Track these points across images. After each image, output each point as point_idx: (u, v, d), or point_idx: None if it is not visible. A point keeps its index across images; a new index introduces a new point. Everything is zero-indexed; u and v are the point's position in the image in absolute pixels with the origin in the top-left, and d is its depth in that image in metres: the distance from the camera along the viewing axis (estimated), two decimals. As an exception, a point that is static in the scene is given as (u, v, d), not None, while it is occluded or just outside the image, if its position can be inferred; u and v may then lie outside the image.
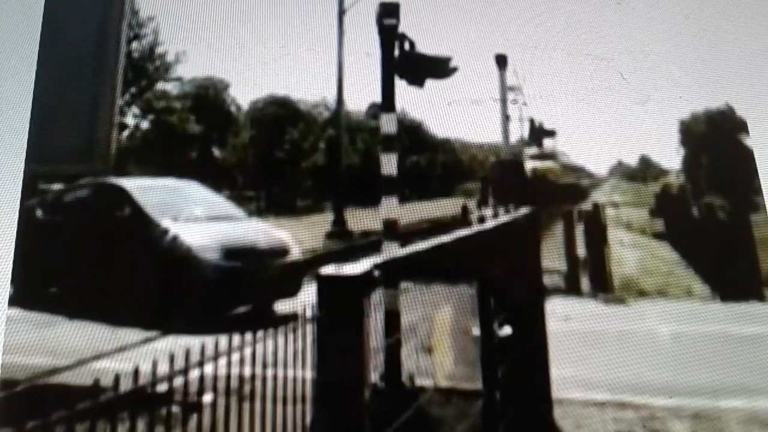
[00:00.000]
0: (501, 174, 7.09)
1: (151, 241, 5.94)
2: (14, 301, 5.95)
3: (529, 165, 7.12)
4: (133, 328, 5.37)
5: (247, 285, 5.89)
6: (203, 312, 5.59)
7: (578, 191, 7.35)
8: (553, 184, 7.33)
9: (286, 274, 6.06)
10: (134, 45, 7.48)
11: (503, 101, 6.88)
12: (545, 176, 7.26)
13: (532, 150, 7.06)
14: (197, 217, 6.24)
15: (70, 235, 6.26)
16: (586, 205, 6.75)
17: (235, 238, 6.04)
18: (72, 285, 6.07)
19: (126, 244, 6.02)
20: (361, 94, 7.17)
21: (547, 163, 7.15)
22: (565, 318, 5.36)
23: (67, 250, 6.20)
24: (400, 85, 5.73)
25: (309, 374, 3.45)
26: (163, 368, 2.90)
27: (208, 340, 3.25)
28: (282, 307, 6.09)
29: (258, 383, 3.32)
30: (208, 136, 7.93)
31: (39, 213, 6.55)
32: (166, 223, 6.01)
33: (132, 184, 6.37)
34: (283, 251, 6.16)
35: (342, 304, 1.72)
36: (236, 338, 3.30)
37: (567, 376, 4.46)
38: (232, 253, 5.88)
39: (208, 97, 7.90)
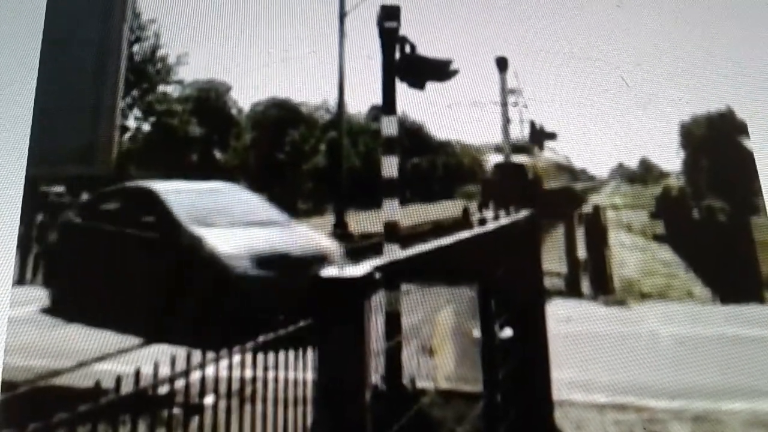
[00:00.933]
0: (502, 176, 7.09)
1: (180, 248, 5.63)
2: (51, 311, 5.82)
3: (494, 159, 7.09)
4: (163, 342, 5.14)
5: (280, 295, 5.46)
6: (234, 325, 5.25)
7: (578, 193, 7.36)
8: (553, 186, 7.33)
9: None
10: (136, 48, 7.50)
11: (504, 104, 6.89)
12: (546, 178, 7.27)
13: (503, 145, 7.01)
14: (232, 222, 5.89)
15: (99, 243, 6.01)
16: (587, 208, 6.76)
17: (272, 245, 5.66)
18: (98, 293, 5.78)
19: (154, 251, 5.73)
20: (362, 97, 7.18)
21: (522, 157, 7.13)
22: (566, 320, 5.36)
23: (95, 258, 5.96)
24: (401, 88, 5.74)
25: (310, 376, 3.46)
26: (164, 370, 2.91)
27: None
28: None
29: (259, 385, 3.33)
30: (210, 138, 7.94)
31: (73, 219, 6.34)
32: (196, 228, 5.68)
33: (163, 187, 6.08)
34: (325, 258, 5.80)
35: (343, 306, 1.73)
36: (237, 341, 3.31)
37: (568, 378, 4.47)
38: (266, 261, 5.51)
39: (210, 100, 7.92)
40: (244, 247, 5.54)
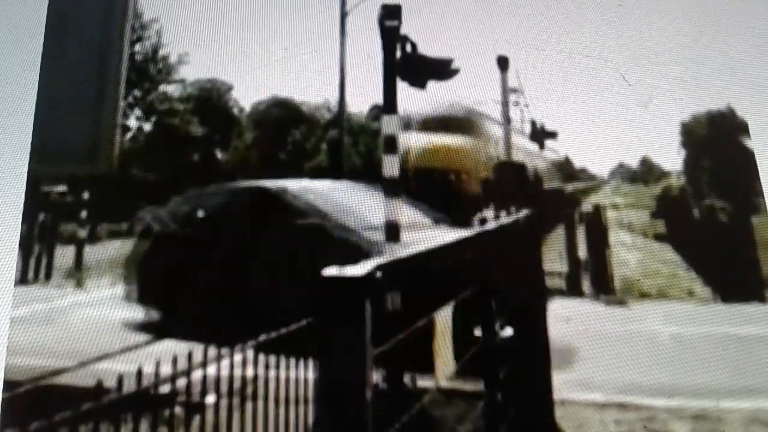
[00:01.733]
0: (503, 176, 7.10)
1: (339, 256, 4.87)
2: (157, 328, 5.31)
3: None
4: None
5: None
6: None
7: (579, 193, 7.36)
8: (553, 186, 7.34)
9: None
10: (137, 47, 7.51)
11: (505, 103, 6.89)
12: (547, 178, 7.27)
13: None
14: (377, 225, 5.29)
15: (223, 255, 5.35)
16: (588, 207, 6.76)
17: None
18: (238, 313, 5.13)
19: (299, 261, 5.05)
20: (364, 96, 7.19)
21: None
22: (567, 319, 5.37)
23: (225, 272, 5.29)
24: (402, 87, 5.75)
25: (312, 375, 3.47)
26: (165, 369, 2.92)
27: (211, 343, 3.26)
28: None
29: (261, 384, 3.34)
30: (211, 138, 7.95)
31: (169, 229, 5.80)
32: (349, 234, 5.10)
33: (296, 186, 5.48)
34: None
35: (344, 305, 1.74)
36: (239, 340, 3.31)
37: (568, 377, 4.47)
38: None
39: (211, 99, 7.92)
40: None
